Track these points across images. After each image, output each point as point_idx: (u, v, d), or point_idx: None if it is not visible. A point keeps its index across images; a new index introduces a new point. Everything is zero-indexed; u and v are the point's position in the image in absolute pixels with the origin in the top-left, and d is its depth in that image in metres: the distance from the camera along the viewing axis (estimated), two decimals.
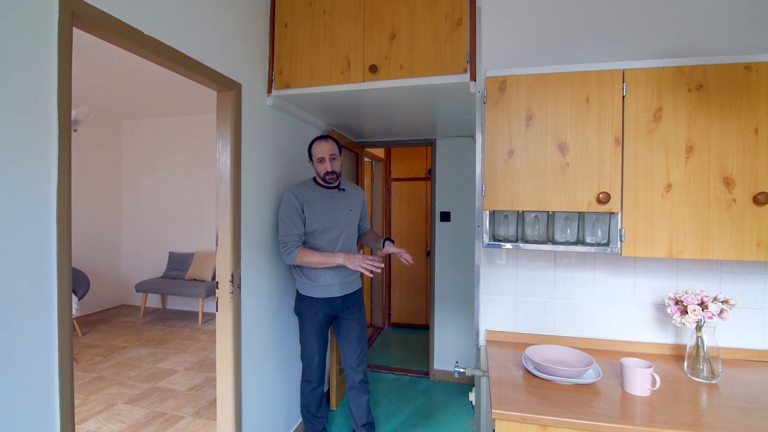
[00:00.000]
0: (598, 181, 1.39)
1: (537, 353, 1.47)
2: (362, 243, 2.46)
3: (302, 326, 2.18)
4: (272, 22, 2.15)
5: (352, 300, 2.21)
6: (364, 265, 1.94)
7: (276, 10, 2.14)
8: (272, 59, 2.14)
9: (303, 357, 2.20)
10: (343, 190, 2.21)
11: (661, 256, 1.34)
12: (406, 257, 2.04)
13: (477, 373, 1.61)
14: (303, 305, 2.17)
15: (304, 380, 2.23)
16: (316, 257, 2.02)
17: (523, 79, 1.45)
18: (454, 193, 3.36)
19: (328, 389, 2.86)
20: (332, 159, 2.08)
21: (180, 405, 2.93)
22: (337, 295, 2.14)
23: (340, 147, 2.16)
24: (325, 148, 2.08)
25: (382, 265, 1.99)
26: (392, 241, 2.20)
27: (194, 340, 4.31)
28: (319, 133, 2.87)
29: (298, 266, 2.13)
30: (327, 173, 2.08)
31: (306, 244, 2.09)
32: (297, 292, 2.22)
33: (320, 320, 2.14)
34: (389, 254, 2.16)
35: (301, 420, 2.56)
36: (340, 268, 2.11)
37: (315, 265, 2.03)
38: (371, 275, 1.97)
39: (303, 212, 2.06)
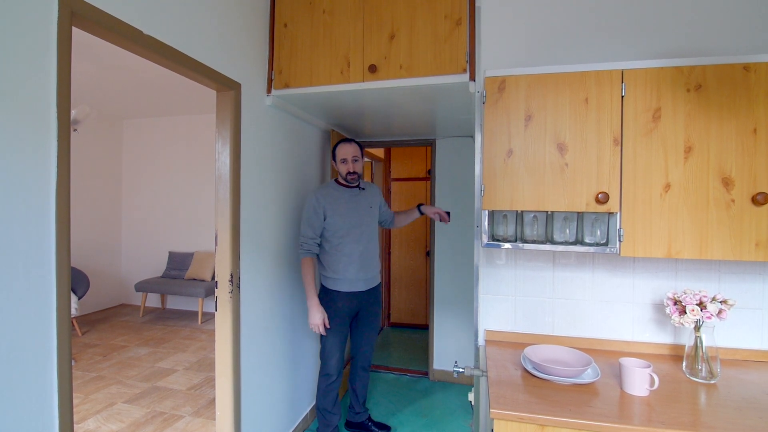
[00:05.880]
0: (596, 181, 1.39)
1: (536, 353, 1.47)
2: (398, 225, 2.60)
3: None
4: (272, 22, 2.15)
5: (374, 294, 2.36)
6: (317, 330, 2.15)
7: (276, 9, 2.14)
8: (272, 59, 2.14)
9: (323, 351, 2.26)
10: (363, 189, 2.35)
11: (659, 256, 1.34)
12: (442, 215, 2.36)
13: (476, 372, 1.61)
14: (328, 300, 2.24)
15: (324, 375, 2.28)
16: (305, 276, 2.17)
17: (522, 79, 1.45)
18: (453, 193, 3.36)
19: None
20: (354, 161, 2.25)
21: (179, 404, 2.93)
22: (362, 289, 2.27)
23: (362, 150, 2.33)
24: (348, 150, 2.25)
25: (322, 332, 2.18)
26: (423, 204, 2.46)
27: (194, 340, 4.31)
28: (319, 133, 2.88)
29: (324, 261, 2.26)
30: (348, 173, 2.24)
31: (331, 244, 2.22)
32: (321, 286, 2.30)
33: (344, 315, 2.24)
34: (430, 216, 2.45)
35: (300, 419, 2.57)
36: (366, 261, 2.26)
37: (303, 279, 2.19)
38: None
39: (325, 215, 2.20)
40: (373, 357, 2.50)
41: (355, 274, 2.23)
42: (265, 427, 2.18)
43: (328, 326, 2.17)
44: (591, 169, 1.39)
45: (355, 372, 2.46)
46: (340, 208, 2.21)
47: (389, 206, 4.83)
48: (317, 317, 2.13)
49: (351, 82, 1.99)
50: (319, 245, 2.25)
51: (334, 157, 2.29)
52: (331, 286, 2.24)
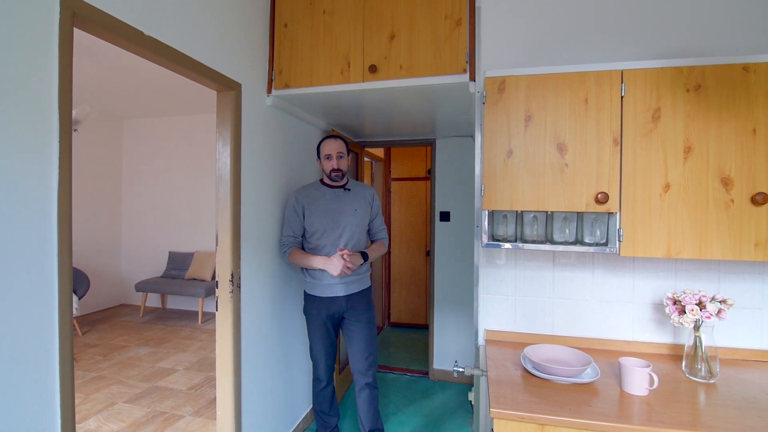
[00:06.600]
0: (596, 181, 1.39)
1: (536, 353, 1.48)
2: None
3: (308, 326, 2.22)
4: (272, 22, 2.15)
5: (358, 300, 2.18)
6: (345, 270, 2.00)
7: (276, 10, 2.14)
8: (272, 59, 2.14)
9: (311, 356, 2.23)
10: (349, 189, 2.21)
11: (659, 256, 1.35)
12: (342, 257, 2.01)
13: (476, 372, 1.61)
14: (308, 304, 2.20)
15: (314, 379, 2.26)
16: (300, 258, 2.12)
17: (522, 79, 1.46)
18: (453, 193, 3.36)
19: None
20: (339, 157, 2.13)
21: (180, 404, 2.93)
22: (340, 294, 2.13)
23: (348, 147, 2.21)
24: (333, 146, 2.14)
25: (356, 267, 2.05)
26: (365, 254, 2.16)
27: (194, 340, 4.31)
28: (319, 133, 2.88)
29: (302, 266, 2.18)
30: (333, 170, 2.13)
31: (309, 245, 2.17)
32: (304, 291, 2.25)
33: (323, 320, 2.15)
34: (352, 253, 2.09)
35: (301, 419, 2.58)
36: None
37: (301, 265, 2.14)
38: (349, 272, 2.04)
39: (304, 214, 2.14)
40: (372, 373, 2.15)
41: (333, 277, 2.08)
42: (266, 426, 2.19)
43: (349, 265, 2.00)
44: (591, 170, 1.40)
45: (358, 392, 2.18)
46: (319, 209, 2.12)
47: (389, 207, 4.90)
48: (336, 265, 1.98)
49: (351, 82, 1.99)
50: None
51: (318, 155, 2.18)
52: (310, 290, 2.17)
